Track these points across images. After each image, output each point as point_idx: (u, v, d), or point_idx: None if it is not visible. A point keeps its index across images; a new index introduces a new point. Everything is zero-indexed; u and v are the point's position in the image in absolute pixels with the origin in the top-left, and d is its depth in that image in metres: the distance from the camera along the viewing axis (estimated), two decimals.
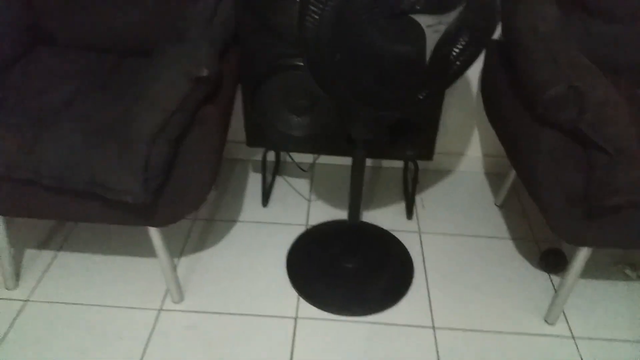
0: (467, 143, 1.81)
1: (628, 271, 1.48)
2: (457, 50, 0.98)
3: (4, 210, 1.19)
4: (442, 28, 0.88)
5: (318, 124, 1.41)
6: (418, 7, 0.85)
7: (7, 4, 1.36)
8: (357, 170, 1.29)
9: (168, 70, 1.01)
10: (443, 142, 1.81)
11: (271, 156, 1.84)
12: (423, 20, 0.86)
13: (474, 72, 1.65)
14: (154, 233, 1.25)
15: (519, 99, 1.23)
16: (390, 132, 1.43)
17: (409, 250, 1.53)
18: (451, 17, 0.86)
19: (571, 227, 1.14)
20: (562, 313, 1.36)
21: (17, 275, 1.42)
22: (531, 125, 1.13)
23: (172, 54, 1.06)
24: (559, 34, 1.18)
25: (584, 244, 1.18)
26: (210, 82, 1.04)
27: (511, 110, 1.27)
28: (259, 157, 1.86)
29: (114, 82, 1.28)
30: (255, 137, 1.50)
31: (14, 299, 1.36)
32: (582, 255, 1.22)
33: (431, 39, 0.89)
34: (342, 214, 1.66)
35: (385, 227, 1.61)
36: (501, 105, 1.35)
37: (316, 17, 0.89)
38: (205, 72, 0.99)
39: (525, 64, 1.15)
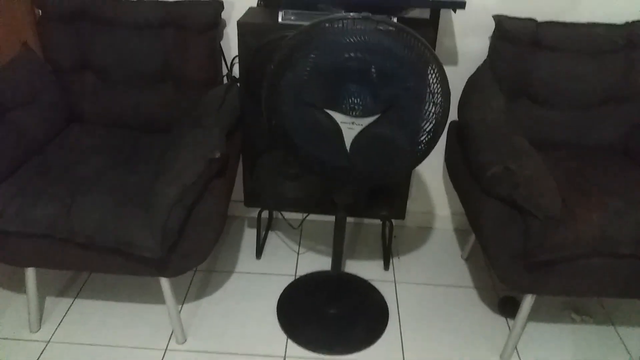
0: (437, 203, 2.07)
1: (573, 315, 1.70)
2: (422, 137, 1.23)
3: (39, 263, 1.40)
4: (356, 129, 1.14)
5: (306, 188, 1.66)
6: (355, 111, 1.12)
7: (48, 89, 1.62)
8: (339, 228, 1.52)
9: (187, 153, 1.26)
10: (415, 202, 2.06)
11: (265, 214, 2.07)
12: (338, 117, 1.13)
13: (442, 142, 1.91)
14: (164, 282, 1.46)
15: (470, 171, 1.49)
16: (367, 196, 1.68)
17: (385, 297, 1.75)
18: (365, 122, 1.13)
19: (514, 278, 1.37)
20: (515, 351, 1.57)
21: (40, 320, 1.61)
22: (479, 195, 1.39)
23: (190, 138, 1.31)
24: (503, 122, 1.45)
25: (527, 292, 1.41)
26: (221, 161, 1.28)
27: (465, 181, 1.53)
28: (254, 215, 2.10)
29: (135, 156, 1.53)
30: (252, 198, 1.73)
31: (38, 340, 1.55)
32: (527, 301, 1.45)
33: (348, 134, 1.16)
34: (327, 265, 1.88)
35: (364, 277, 1.83)
36: (459, 175, 1.61)
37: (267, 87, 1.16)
38: (217, 155, 1.24)
39: (473, 146, 1.42)
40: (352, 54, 1.08)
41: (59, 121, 1.65)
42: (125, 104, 1.68)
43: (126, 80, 1.68)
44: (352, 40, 1.08)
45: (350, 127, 1.15)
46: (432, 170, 1.99)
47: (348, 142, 1.18)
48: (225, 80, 1.78)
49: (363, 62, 1.09)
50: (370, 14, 1.06)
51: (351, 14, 1.07)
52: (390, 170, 1.25)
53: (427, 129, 1.17)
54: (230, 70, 1.79)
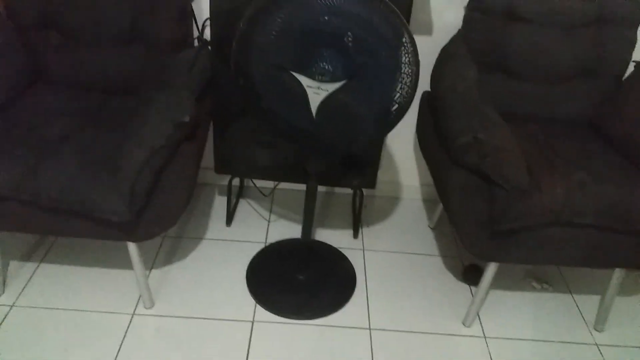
0: (407, 173, 2.09)
1: (534, 284, 1.77)
2: (391, 108, 1.23)
3: (2, 226, 1.36)
4: (322, 94, 1.14)
5: (279, 156, 1.65)
6: (323, 76, 1.11)
7: (8, 48, 1.55)
8: (310, 196, 1.52)
9: (155, 115, 1.23)
10: (386, 172, 2.08)
11: (236, 182, 2.06)
12: (304, 80, 1.13)
13: (413, 114, 1.93)
14: (132, 247, 1.44)
15: (440, 141, 1.51)
16: (339, 165, 1.68)
17: (354, 264, 1.78)
18: (330, 87, 1.13)
19: (480, 246, 1.41)
20: (477, 317, 1.62)
21: (4, 283, 1.58)
22: (448, 165, 1.41)
23: (158, 101, 1.28)
24: (473, 92, 1.46)
25: (491, 260, 1.45)
26: (190, 125, 1.26)
27: (435, 151, 1.54)
28: (224, 182, 2.08)
29: (103, 118, 1.49)
30: (223, 165, 1.72)
31: (1, 304, 1.52)
32: (491, 269, 1.49)
33: (314, 99, 1.16)
34: (297, 233, 1.89)
35: (334, 245, 1.85)
36: (429, 146, 1.63)
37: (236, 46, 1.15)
38: (186, 118, 1.22)
39: (444, 115, 1.43)
40: (327, 18, 1.07)
41: (22, 80, 1.59)
42: (92, 64, 1.62)
43: (93, 39, 1.62)
44: (326, 3, 1.07)
45: (316, 92, 1.15)
46: (403, 142, 2.01)
47: (314, 106, 1.17)
48: (196, 43, 1.74)
49: (338, 27, 1.08)
50: None
51: None
52: (354, 138, 1.25)
53: (396, 100, 1.17)
54: (201, 33, 1.75)
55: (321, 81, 1.12)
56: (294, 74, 1.13)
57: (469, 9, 1.65)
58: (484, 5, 1.62)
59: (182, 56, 1.48)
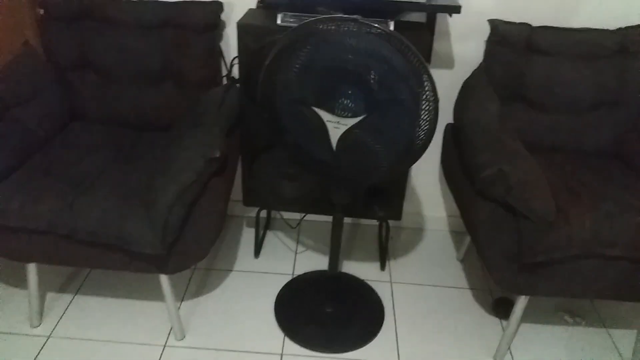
0: (433, 204, 2.09)
1: (567, 317, 1.73)
2: (419, 135, 1.26)
3: (41, 259, 1.42)
4: (342, 128, 1.18)
5: (305, 188, 1.68)
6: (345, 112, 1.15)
7: (49, 87, 1.64)
8: (336, 228, 1.54)
9: (187, 151, 1.28)
10: (412, 203, 2.09)
11: (263, 214, 2.10)
12: (324, 115, 1.17)
13: (437, 145, 1.94)
14: (163, 279, 1.48)
15: (465, 173, 1.52)
16: (365, 196, 1.70)
17: (381, 297, 1.77)
18: (350, 122, 1.17)
19: (508, 279, 1.40)
20: (509, 352, 1.59)
21: (41, 315, 1.63)
22: (474, 197, 1.41)
23: (189, 137, 1.33)
24: (497, 124, 1.48)
25: (520, 293, 1.44)
26: (220, 160, 1.31)
27: (461, 183, 1.55)
28: (252, 214, 2.12)
29: (136, 154, 1.56)
30: (251, 197, 1.76)
31: (38, 335, 1.57)
32: (521, 302, 1.47)
33: (334, 133, 1.20)
34: (324, 265, 1.90)
35: (361, 277, 1.86)
36: (454, 177, 1.64)
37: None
38: (217, 154, 1.26)
39: (468, 149, 1.44)
40: (350, 56, 1.11)
41: (61, 119, 1.67)
42: (126, 102, 1.70)
43: (127, 79, 1.71)
44: (350, 42, 1.11)
45: (336, 127, 1.18)
46: (428, 173, 2.02)
47: (334, 140, 1.21)
48: (224, 80, 1.81)
49: (362, 66, 1.12)
50: (360, 17, 1.08)
51: (339, 14, 1.09)
52: (372, 171, 1.28)
53: (416, 136, 1.19)
54: (229, 71, 1.82)
55: (341, 116, 1.16)
56: (315, 109, 1.17)
57: (490, 42, 1.67)
58: (505, 39, 1.64)
59: (212, 94, 1.54)
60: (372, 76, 1.10)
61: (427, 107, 1.15)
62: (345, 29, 1.10)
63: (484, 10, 1.70)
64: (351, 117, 1.16)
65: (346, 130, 1.18)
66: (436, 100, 1.13)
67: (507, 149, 1.38)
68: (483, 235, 1.40)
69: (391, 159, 1.23)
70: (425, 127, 1.18)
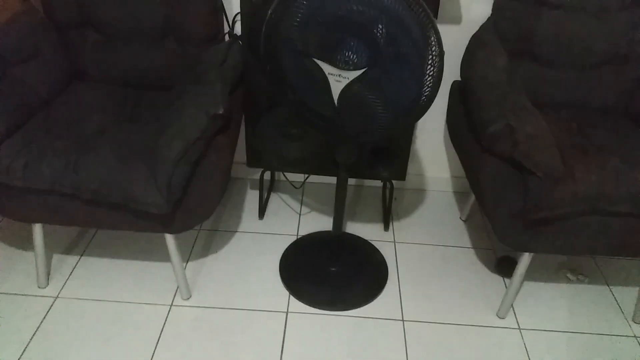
0: (437, 165, 2.08)
1: (569, 275, 1.74)
2: (424, 90, 1.23)
3: (46, 219, 1.42)
4: (343, 81, 1.15)
5: (308, 148, 1.67)
6: (347, 65, 1.12)
7: (49, 45, 1.61)
8: (340, 188, 1.54)
9: (190, 108, 1.27)
10: (416, 164, 2.08)
11: (267, 175, 2.09)
12: (326, 67, 1.14)
13: (443, 104, 1.92)
14: (169, 239, 1.48)
15: (471, 130, 1.50)
16: (369, 156, 1.69)
17: (385, 256, 1.78)
18: (352, 75, 1.14)
19: (513, 236, 1.40)
20: (511, 309, 1.61)
21: (48, 276, 1.64)
22: (480, 154, 1.40)
23: (192, 94, 1.31)
24: (506, 80, 1.45)
25: (525, 250, 1.44)
26: (224, 117, 1.29)
27: (466, 141, 1.54)
28: (256, 176, 2.11)
29: (139, 112, 1.54)
30: (255, 159, 1.75)
31: (46, 296, 1.59)
32: (525, 259, 1.48)
33: (335, 87, 1.17)
34: (328, 226, 1.91)
35: (365, 237, 1.86)
36: (460, 135, 1.62)
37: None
38: (221, 110, 1.24)
39: (475, 104, 1.42)
40: (359, 7, 1.08)
41: (62, 78, 1.64)
42: (127, 60, 1.67)
43: (128, 36, 1.67)
44: None
45: (337, 80, 1.15)
46: (433, 133, 2.00)
47: (335, 94, 1.18)
48: (227, 37, 1.77)
49: (369, 18, 1.09)
50: None
51: None
52: (374, 128, 1.26)
53: (421, 91, 1.17)
54: (232, 27, 1.78)
55: (342, 69, 1.13)
56: (316, 60, 1.15)
57: None
58: None
59: (214, 51, 1.51)
60: (379, 28, 1.08)
61: (432, 62, 1.12)
62: None
63: None
64: (352, 69, 1.13)
65: (347, 84, 1.16)
66: (441, 54, 1.11)
67: (515, 105, 1.36)
68: (488, 193, 1.39)
69: (392, 117, 1.21)
70: (430, 82, 1.15)
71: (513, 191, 1.35)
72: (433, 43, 1.11)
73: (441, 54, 1.11)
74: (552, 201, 1.29)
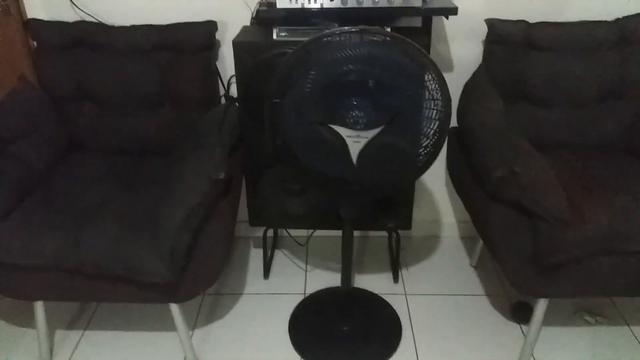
0: (441, 210, 2.06)
1: (587, 317, 1.69)
2: (427, 143, 1.23)
3: (48, 296, 1.38)
4: (362, 141, 1.15)
5: (311, 203, 1.65)
6: (357, 124, 1.13)
7: (47, 119, 1.62)
8: (346, 242, 1.51)
9: (190, 174, 1.26)
10: (420, 211, 2.06)
11: (270, 232, 2.06)
12: (344, 131, 1.14)
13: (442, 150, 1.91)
14: (174, 308, 1.44)
15: (474, 177, 1.49)
16: (372, 207, 1.67)
17: (397, 310, 1.73)
18: (370, 134, 1.14)
19: (527, 283, 1.36)
20: (532, 358, 1.55)
21: (51, 353, 1.59)
22: (485, 199, 1.38)
23: (192, 160, 1.31)
24: (503, 124, 1.45)
25: (539, 296, 1.40)
26: (225, 181, 1.28)
27: (470, 187, 1.52)
28: (259, 234, 2.08)
29: (139, 181, 1.53)
30: (257, 217, 1.73)
31: None
32: (541, 306, 1.43)
33: (354, 148, 1.16)
34: (336, 281, 1.87)
35: (375, 291, 1.82)
36: (462, 182, 1.61)
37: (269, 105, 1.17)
38: (221, 175, 1.23)
39: (476, 151, 1.42)
40: (350, 67, 1.09)
41: (60, 151, 1.65)
42: (125, 129, 1.68)
43: (124, 105, 1.69)
44: (349, 53, 1.09)
45: (356, 141, 1.15)
46: (434, 178, 1.99)
47: (354, 154, 1.17)
48: (223, 100, 1.79)
49: (362, 74, 1.09)
50: (366, 27, 1.07)
51: (347, 28, 1.07)
52: (397, 178, 1.25)
53: (431, 135, 1.17)
54: (227, 89, 1.80)
55: (359, 129, 1.13)
56: (333, 126, 1.14)
57: (488, 42, 1.66)
58: (503, 37, 1.63)
59: (211, 114, 1.52)
60: (370, 82, 1.08)
61: (437, 106, 1.13)
62: (345, 40, 1.08)
63: (479, 10, 1.69)
64: (368, 128, 1.13)
65: (367, 142, 1.15)
66: (448, 96, 1.11)
67: (516, 149, 1.35)
68: (498, 239, 1.36)
69: (408, 167, 1.20)
70: (438, 128, 1.15)
71: (523, 237, 1.32)
72: (436, 88, 1.11)
73: (443, 84, 1.11)
74: (564, 245, 1.27)
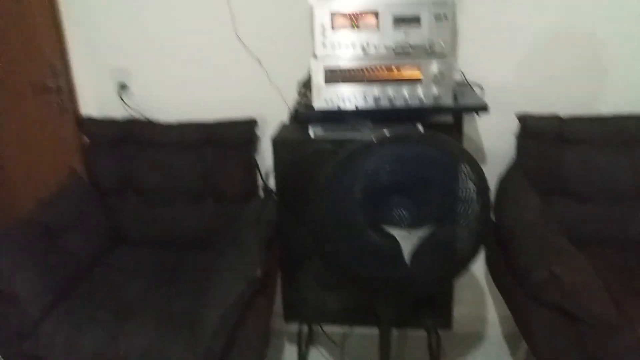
0: (483, 306, 1.99)
1: None
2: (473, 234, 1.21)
3: None
4: (415, 240, 1.14)
5: (348, 299, 1.63)
6: (402, 223, 1.13)
7: (93, 212, 1.70)
8: (384, 342, 1.46)
9: (228, 272, 1.28)
10: (461, 307, 1.98)
11: (305, 328, 1.99)
12: (397, 232, 1.14)
13: None
14: None
15: (513, 276, 1.45)
16: (411, 305, 1.63)
17: None
18: (423, 232, 1.13)
19: None
20: None
21: None
22: (526, 301, 1.34)
23: (230, 257, 1.33)
24: (541, 220, 1.44)
25: None
26: (261, 279, 1.29)
27: (510, 286, 1.48)
28: (293, 330, 2.02)
29: (178, 276, 1.56)
30: (292, 312, 1.71)
31: None
32: None
33: (406, 247, 1.15)
34: None
35: None
36: (502, 279, 1.57)
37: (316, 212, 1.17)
38: (258, 273, 1.25)
39: (513, 248, 1.40)
40: (393, 168, 1.11)
41: (104, 243, 1.71)
42: (167, 221, 1.74)
43: (167, 198, 1.75)
44: (390, 155, 1.11)
45: (408, 239, 1.15)
46: (474, 271, 1.95)
47: (407, 254, 1.16)
48: (261, 191, 1.83)
49: (406, 174, 1.12)
50: (407, 132, 1.09)
51: (387, 134, 1.10)
52: (447, 274, 1.24)
53: (474, 225, 1.16)
54: (265, 182, 1.85)
55: (410, 228, 1.13)
56: (386, 227, 1.14)
57: (521, 137, 1.67)
58: (535, 132, 1.64)
59: (250, 208, 1.56)
60: (417, 181, 1.10)
61: (475, 198, 1.13)
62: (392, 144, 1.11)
63: (510, 105, 1.71)
64: (417, 226, 1.14)
65: (419, 239, 1.16)
66: (485, 189, 1.12)
67: (555, 248, 1.33)
68: (541, 344, 1.31)
69: (458, 262, 1.20)
70: (478, 218, 1.15)
71: (567, 340, 1.26)
72: (467, 172, 1.12)
73: (484, 188, 1.12)
74: (615, 352, 1.20)
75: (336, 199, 1.15)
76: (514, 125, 1.71)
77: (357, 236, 1.17)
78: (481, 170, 1.12)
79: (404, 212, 1.13)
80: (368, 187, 1.13)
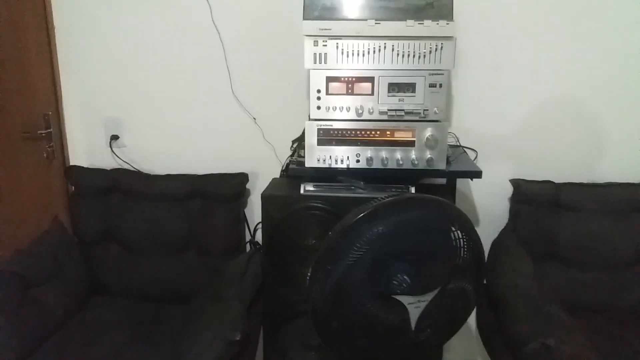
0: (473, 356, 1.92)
1: None
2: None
3: None
4: (422, 305, 1.11)
5: (330, 359, 1.56)
6: (404, 289, 1.10)
7: (72, 263, 1.64)
8: None
9: (207, 333, 1.22)
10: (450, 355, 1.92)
11: None
12: (405, 299, 1.11)
13: None
14: None
15: (505, 343, 1.40)
16: None
17: None
18: (430, 296, 1.10)
19: None
20: None
21: None
22: None
23: (210, 315, 1.28)
24: (534, 286, 1.40)
25: None
26: (241, 342, 1.23)
27: (499, 349, 1.43)
28: None
29: (155, 331, 1.49)
30: None
31: None
32: None
33: (413, 313, 1.12)
34: None
35: None
36: (494, 346, 1.51)
37: (319, 289, 1.14)
38: (238, 336, 1.19)
39: (505, 316, 1.35)
40: (398, 234, 1.10)
41: (82, 294, 1.64)
42: (147, 273, 1.68)
43: (149, 249, 1.71)
44: (396, 221, 1.10)
45: (417, 306, 1.13)
46: (463, 335, 1.88)
47: (414, 319, 1.15)
48: (247, 245, 1.79)
49: (409, 240, 1.11)
50: (404, 194, 1.08)
51: (383, 199, 1.10)
52: (458, 324, 1.23)
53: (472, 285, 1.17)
54: (253, 236, 1.81)
55: (420, 294, 1.12)
56: (397, 297, 1.12)
57: (514, 201, 1.67)
58: (529, 197, 1.63)
59: (235, 262, 1.52)
60: (421, 248, 1.10)
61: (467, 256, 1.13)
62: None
63: (503, 170, 1.72)
64: (426, 292, 1.13)
65: (428, 303, 1.14)
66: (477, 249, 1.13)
67: (548, 318, 1.29)
68: None
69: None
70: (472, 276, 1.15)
71: None
72: (461, 235, 1.12)
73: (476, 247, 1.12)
74: None
75: (343, 271, 1.11)
76: (508, 190, 1.71)
77: (360, 311, 1.15)
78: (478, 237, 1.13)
79: (405, 278, 1.12)
80: (375, 256, 1.11)
